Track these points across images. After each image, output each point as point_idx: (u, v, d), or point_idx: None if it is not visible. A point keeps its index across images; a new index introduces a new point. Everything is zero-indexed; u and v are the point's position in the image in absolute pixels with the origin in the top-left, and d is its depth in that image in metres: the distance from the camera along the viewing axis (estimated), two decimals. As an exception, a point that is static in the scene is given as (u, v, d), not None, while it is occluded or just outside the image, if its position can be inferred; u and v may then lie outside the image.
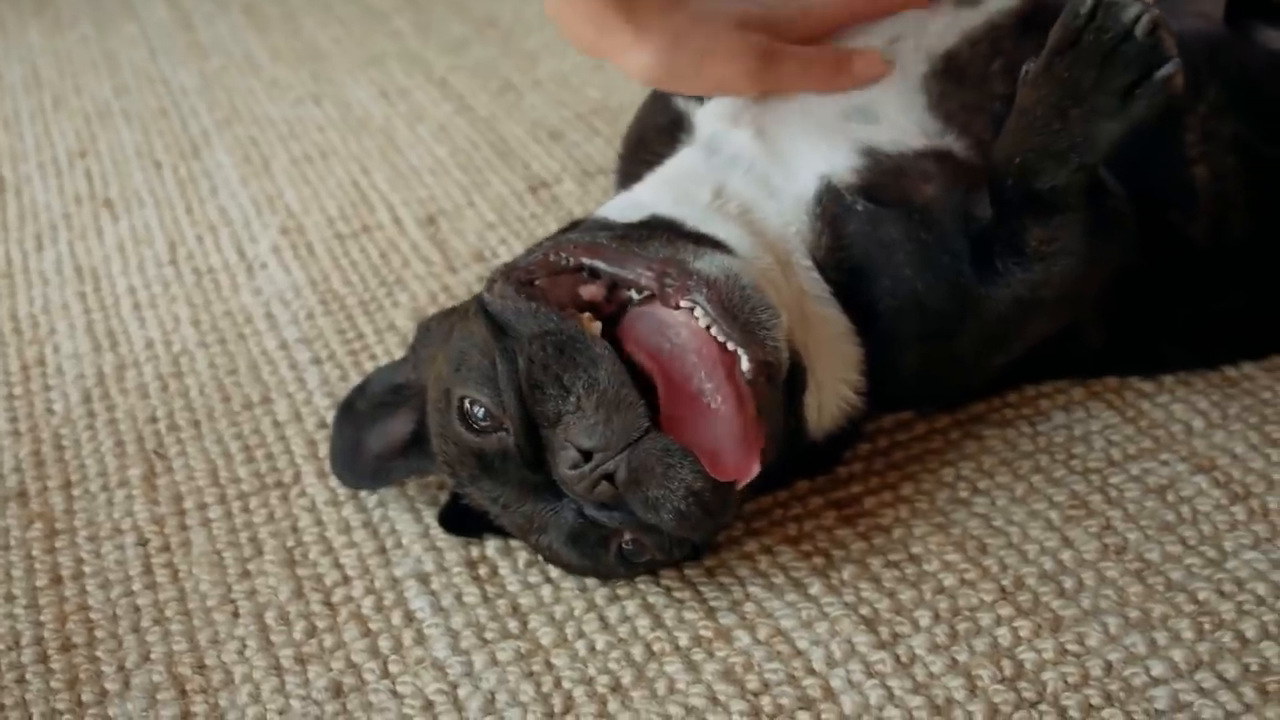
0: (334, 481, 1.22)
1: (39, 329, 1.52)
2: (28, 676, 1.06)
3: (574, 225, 1.18)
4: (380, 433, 1.17)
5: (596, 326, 0.99)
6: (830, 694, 0.98)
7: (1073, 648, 0.99)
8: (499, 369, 1.00)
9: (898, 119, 1.14)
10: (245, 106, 2.06)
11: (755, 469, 0.96)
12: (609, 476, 0.96)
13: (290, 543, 1.17)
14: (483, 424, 1.02)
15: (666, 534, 1.00)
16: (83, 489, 1.26)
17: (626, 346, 0.98)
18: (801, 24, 1.17)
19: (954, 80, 1.15)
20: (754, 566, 1.10)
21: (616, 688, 1.00)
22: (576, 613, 1.07)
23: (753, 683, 0.99)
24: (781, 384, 1.02)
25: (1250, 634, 0.99)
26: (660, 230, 1.08)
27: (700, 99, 1.19)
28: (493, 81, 2.05)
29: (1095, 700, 0.95)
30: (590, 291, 1.03)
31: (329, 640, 1.07)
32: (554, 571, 1.10)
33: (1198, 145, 1.17)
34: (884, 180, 1.11)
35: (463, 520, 1.13)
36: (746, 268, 1.03)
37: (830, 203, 1.11)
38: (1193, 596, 1.02)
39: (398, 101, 2.03)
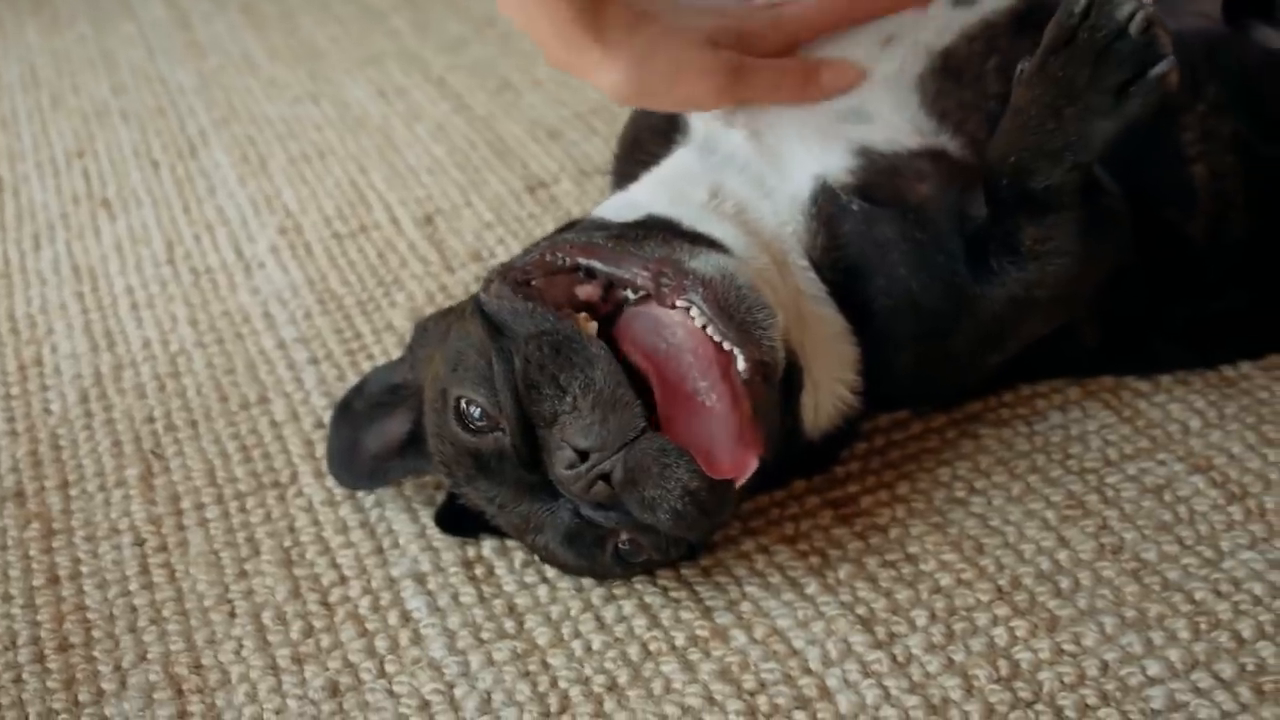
0: (331, 481, 1.22)
1: (36, 329, 1.52)
2: (24, 676, 1.06)
3: (570, 225, 1.18)
4: (377, 433, 1.17)
5: (592, 326, 0.99)
6: (826, 693, 0.98)
7: (1069, 647, 0.99)
8: (495, 369, 1.00)
9: (891, 118, 1.14)
10: (243, 106, 2.06)
11: (752, 466, 0.96)
12: (605, 476, 0.96)
13: (287, 543, 1.17)
14: (479, 424, 1.02)
15: (663, 534, 1.00)
16: (80, 489, 1.26)
17: (623, 346, 0.98)
18: (772, 36, 1.16)
19: (950, 78, 1.15)
20: (750, 566, 1.10)
21: (613, 687, 1.00)
22: (573, 612, 1.07)
23: (749, 682, 0.99)
24: (778, 384, 1.02)
25: (1247, 634, 0.99)
26: (656, 230, 1.08)
27: None
28: (491, 81, 2.05)
29: (1091, 700, 0.95)
30: (586, 291, 1.03)
31: (326, 640, 1.07)
32: (550, 571, 1.10)
33: (1196, 144, 1.17)
34: (879, 180, 1.11)
35: (459, 520, 1.13)
36: (742, 267, 1.03)
37: (826, 203, 1.11)
38: (1189, 596, 1.02)
39: (395, 101, 2.03)
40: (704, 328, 0.98)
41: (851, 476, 1.18)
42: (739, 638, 1.03)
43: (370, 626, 1.08)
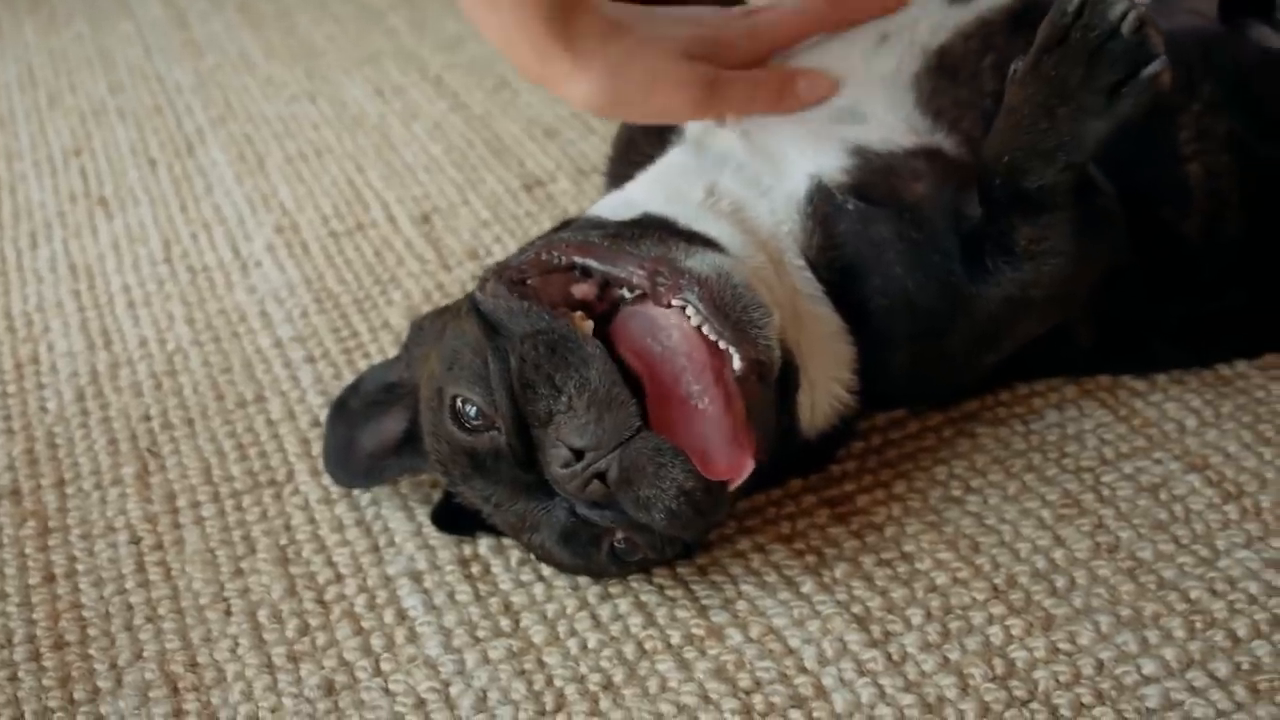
0: (327, 480, 1.22)
1: (33, 327, 1.52)
2: (20, 674, 1.06)
3: (566, 224, 1.18)
4: (373, 431, 1.17)
5: (588, 325, 0.99)
6: (822, 692, 0.98)
7: (1064, 646, 0.99)
8: (491, 368, 1.00)
9: (886, 117, 1.14)
10: (240, 104, 2.06)
11: (747, 469, 0.96)
12: (601, 475, 0.96)
13: (283, 541, 1.17)
14: (475, 423, 1.02)
15: (658, 533, 1.00)
16: (76, 487, 1.26)
17: (618, 347, 0.98)
18: (748, 45, 1.15)
19: (946, 77, 1.15)
20: (746, 564, 1.10)
21: (608, 686, 1.00)
22: (568, 611, 1.07)
23: (745, 681, 0.99)
24: (774, 383, 1.02)
25: (1242, 632, 0.99)
26: (652, 228, 1.08)
27: None
28: (488, 79, 2.05)
29: (1087, 699, 0.95)
30: (582, 290, 1.03)
31: (321, 638, 1.07)
32: (546, 570, 1.10)
33: (1192, 143, 1.17)
34: (874, 179, 1.10)
35: (455, 518, 1.13)
36: (738, 266, 1.03)
37: (821, 202, 1.11)
38: (1185, 595, 1.02)
39: (393, 99, 2.03)
40: (699, 327, 0.98)
41: (848, 475, 1.18)
42: (735, 636, 1.03)
43: (366, 625, 1.08)
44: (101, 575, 1.15)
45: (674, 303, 0.99)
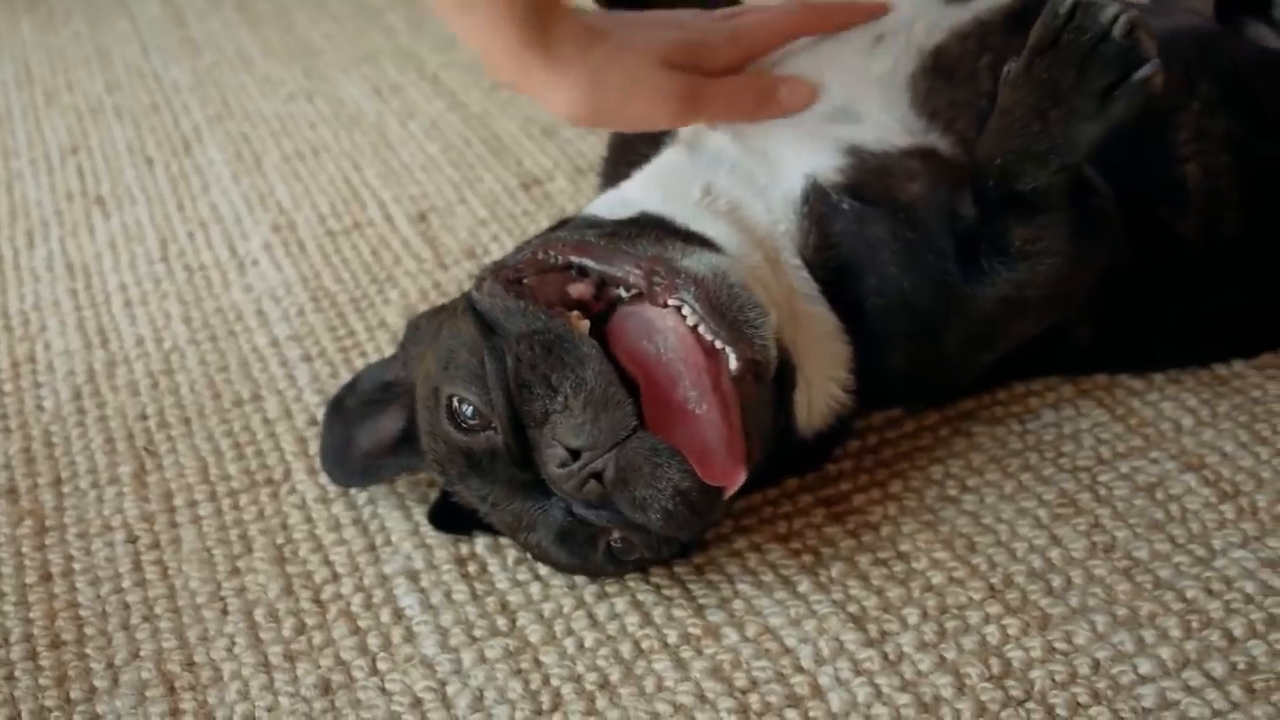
0: (324, 479, 1.22)
1: (30, 326, 1.52)
2: (16, 673, 1.06)
3: (563, 223, 1.18)
4: (370, 430, 1.17)
5: (584, 325, 0.99)
6: (818, 691, 0.98)
7: (1061, 646, 0.99)
8: (487, 368, 1.00)
9: (880, 117, 1.14)
10: (237, 103, 2.06)
11: (740, 479, 0.96)
12: (597, 475, 0.96)
13: (280, 540, 1.17)
14: (471, 422, 1.02)
15: (654, 533, 1.00)
16: (72, 486, 1.26)
17: (615, 347, 0.98)
18: (730, 49, 1.14)
19: (942, 77, 1.15)
20: (743, 564, 1.10)
21: (605, 685, 1.00)
22: (565, 610, 1.07)
23: (741, 680, 0.99)
24: (770, 382, 1.02)
25: (1238, 632, 0.99)
26: (649, 228, 1.07)
27: None
28: (485, 78, 2.05)
29: (1083, 698, 0.95)
30: (579, 290, 1.03)
31: (318, 637, 1.07)
32: (543, 569, 1.10)
33: (1190, 143, 1.17)
34: (869, 179, 1.10)
35: (452, 518, 1.13)
36: (735, 266, 1.03)
37: (817, 202, 1.11)
38: (1181, 594, 1.02)
39: (390, 98, 2.03)
40: (696, 326, 0.98)
41: (844, 474, 1.18)
42: (731, 635, 1.03)
43: (363, 624, 1.08)
44: (98, 574, 1.15)
45: (670, 302, 0.99)
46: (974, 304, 1.09)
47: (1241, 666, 0.96)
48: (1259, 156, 1.19)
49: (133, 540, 1.19)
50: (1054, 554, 1.07)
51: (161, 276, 1.60)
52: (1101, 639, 0.99)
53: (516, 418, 0.98)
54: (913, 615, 1.03)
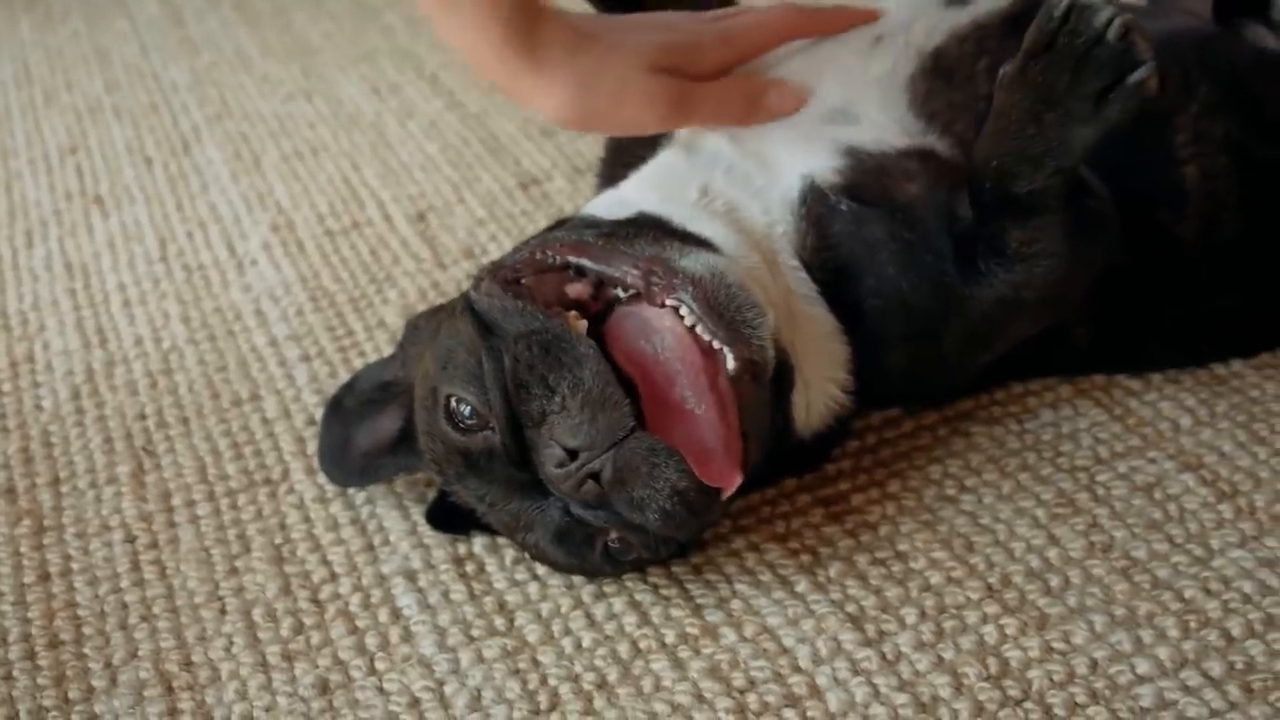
0: (322, 478, 1.22)
1: (28, 325, 1.52)
2: (14, 673, 1.06)
3: (560, 223, 1.18)
4: (368, 430, 1.17)
5: (582, 325, 0.99)
6: (816, 691, 0.98)
7: (1058, 645, 0.99)
8: (485, 368, 1.00)
9: (879, 118, 1.14)
10: (236, 102, 2.06)
11: (739, 478, 0.96)
12: (594, 476, 0.96)
13: (278, 540, 1.17)
14: (469, 422, 1.02)
15: (652, 533, 1.00)
16: (71, 485, 1.26)
17: (612, 347, 0.98)
18: (719, 50, 1.14)
19: (941, 79, 1.15)
20: (741, 564, 1.10)
21: (602, 685, 1.00)
22: (563, 610, 1.07)
23: (738, 680, 0.99)
24: (768, 383, 1.02)
25: (1236, 632, 0.99)
26: (647, 228, 1.07)
27: None
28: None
29: (1081, 698, 0.95)
30: (577, 290, 1.03)
31: (316, 637, 1.07)
32: (541, 569, 1.10)
33: (1188, 145, 1.17)
34: (866, 179, 1.10)
35: (450, 517, 1.13)
36: (732, 266, 1.03)
37: (815, 203, 1.11)
38: (1179, 594, 1.02)
39: (389, 97, 2.03)
40: (693, 327, 0.98)
41: (842, 474, 1.18)
42: (729, 635, 1.03)
43: (360, 624, 1.08)
44: (96, 574, 1.15)
45: (668, 302, 0.99)
46: (971, 304, 1.09)
47: (1239, 666, 0.96)
48: (1258, 158, 1.19)
49: (131, 540, 1.19)
50: (1052, 554, 1.07)
51: (160, 276, 1.60)
52: (1099, 639, 0.99)
53: (514, 418, 0.98)
54: (911, 615, 1.03)
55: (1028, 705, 0.95)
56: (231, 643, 1.07)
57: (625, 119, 1.10)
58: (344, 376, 1.30)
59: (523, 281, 1.04)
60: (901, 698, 0.96)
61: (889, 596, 1.05)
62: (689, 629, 1.04)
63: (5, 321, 1.53)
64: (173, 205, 1.76)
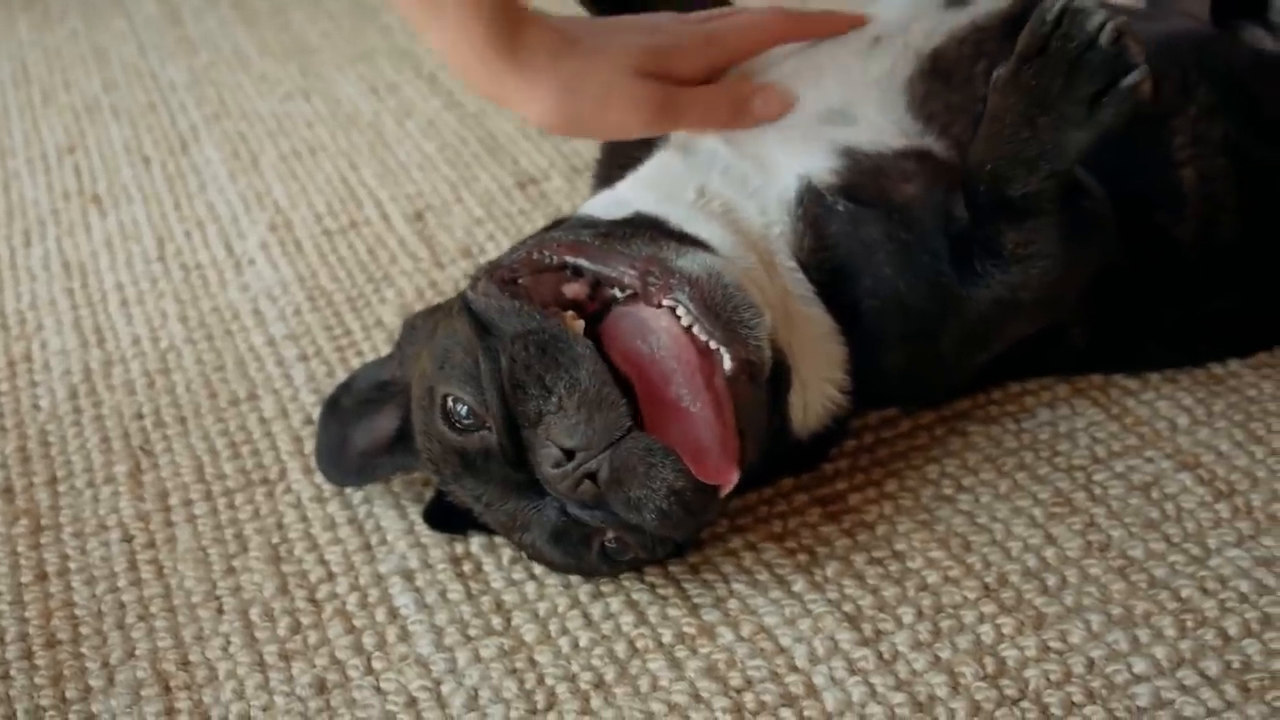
0: (319, 478, 1.22)
1: (26, 325, 1.52)
2: (12, 672, 1.06)
3: (558, 223, 1.18)
4: (365, 429, 1.17)
5: (579, 325, 0.99)
6: (813, 691, 0.98)
7: (1055, 645, 0.99)
8: (482, 368, 1.00)
9: (876, 119, 1.14)
10: (234, 102, 2.06)
11: (734, 477, 0.96)
12: (591, 476, 0.96)
13: (275, 539, 1.17)
14: (465, 422, 1.02)
15: (649, 533, 1.00)
16: (68, 485, 1.26)
17: (609, 347, 0.98)
18: (705, 52, 1.13)
19: (940, 80, 1.15)
20: (738, 563, 1.10)
21: (600, 684, 1.00)
22: (560, 609, 1.07)
23: (735, 679, 0.99)
24: (765, 383, 1.02)
25: (1233, 631, 0.99)
26: (644, 228, 1.07)
27: None
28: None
29: (1077, 698, 0.95)
30: (573, 290, 1.03)
31: (313, 637, 1.07)
32: (538, 568, 1.10)
33: (1187, 148, 1.17)
34: (863, 180, 1.10)
35: (448, 517, 1.13)
36: (729, 267, 1.03)
37: (812, 203, 1.11)
38: (1176, 594, 1.02)
39: (387, 97, 2.03)
40: (690, 327, 0.98)
41: (840, 474, 1.18)
42: (726, 635, 1.03)
43: (358, 623, 1.08)
44: (94, 573, 1.15)
45: (665, 303, 0.99)
46: (968, 305, 1.09)
47: (1236, 665, 0.96)
48: (1256, 160, 1.19)
49: (128, 539, 1.19)
50: (1049, 553, 1.07)
51: (158, 275, 1.60)
52: (1096, 638, 0.99)
53: (511, 418, 0.98)
54: (908, 614, 1.03)
55: (1024, 704, 0.95)
56: (229, 642, 1.07)
57: (609, 124, 1.09)
58: (341, 376, 1.30)
59: (520, 281, 1.04)
60: (898, 697, 0.96)
61: (886, 596, 1.05)
62: (686, 628, 1.04)
63: (3, 321, 1.53)
64: (170, 204, 1.76)
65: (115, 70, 2.22)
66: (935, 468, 1.17)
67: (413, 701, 1.01)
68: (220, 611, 1.10)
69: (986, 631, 1.01)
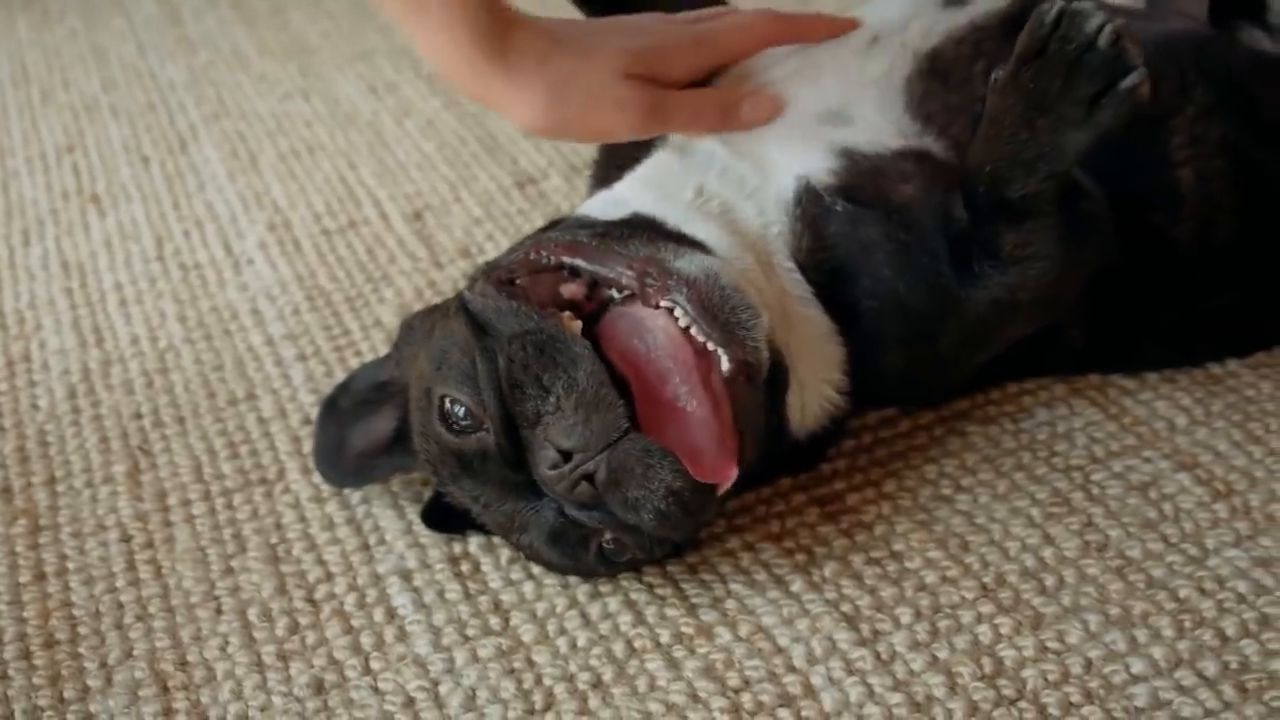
0: (317, 478, 1.22)
1: (25, 324, 1.52)
2: (10, 673, 1.06)
3: (555, 223, 1.18)
4: (363, 430, 1.17)
5: (577, 326, 0.99)
6: (810, 691, 0.98)
7: (1053, 645, 0.99)
8: (479, 368, 1.00)
9: (874, 120, 1.14)
10: (233, 101, 2.06)
11: (732, 474, 0.96)
12: (589, 477, 0.96)
13: (274, 539, 1.17)
14: (463, 423, 1.02)
15: (647, 533, 1.00)
16: (67, 485, 1.26)
17: (606, 347, 0.98)
18: (694, 53, 1.12)
19: (938, 80, 1.15)
20: (736, 563, 1.10)
21: (597, 684, 1.00)
22: (558, 609, 1.07)
23: (733, 680, 0.99)
24: (762, 384, 1.02)
25: (1230, 632, 0.99)
26: (641, 229, 1.07)
27: None
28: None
29: (1075, 698, 0.95)
30: (571, 290, 1.03)
31: (311, 637, 1.07)
32: (536, 568, 1.10)
33: (1184, 148, 1.17)
34: (862, 181, 1.10)
35: (446, 517, 1.13)
36: (727, 268, 1.03)
37: (810, 204, 1.10)
38: (1173, 594, 1.02)
39: (386, 96, 2.03)
40: (688, 328, 0.98)
41: (838, 474, 1.18)
42: (724, 635, 1.03)
43: (356, 623, 1.08)
44: (92, 573, 1.15)
45: (662, 304, 0.99)
46: (967, 306, 1.09)
47: (1234, 666, 0.96)
48: (1253, 161, 1.19)
49: (126, 539, 1.19)
50: (1047, 553, 1.07)
51: (157, 275, 1.60)
52: (1094, 638, 0.99)
53: (508, 419, 0.98)
54: (905, 614, 1.03)
55: (1022, 705, 0.95)
56: (227, 642, 1.07)
57: (597, 127, 1.09)
58: (340, 376, 1.30)
59: (517, 282, 1.04)
60: (896, 697, 0.96)
61: (884, 596, 1.05)
62: (684, 628, 1.04)
63: (2, 320, 1.53)
64: (169, 204, 1.76)
65: (114, 70, 2.22)
66: (933, 468, 1.17)
67: (410, 702, 1.01)
68: (218, 612, 1.10)
69: (984, 632, 1.01)
